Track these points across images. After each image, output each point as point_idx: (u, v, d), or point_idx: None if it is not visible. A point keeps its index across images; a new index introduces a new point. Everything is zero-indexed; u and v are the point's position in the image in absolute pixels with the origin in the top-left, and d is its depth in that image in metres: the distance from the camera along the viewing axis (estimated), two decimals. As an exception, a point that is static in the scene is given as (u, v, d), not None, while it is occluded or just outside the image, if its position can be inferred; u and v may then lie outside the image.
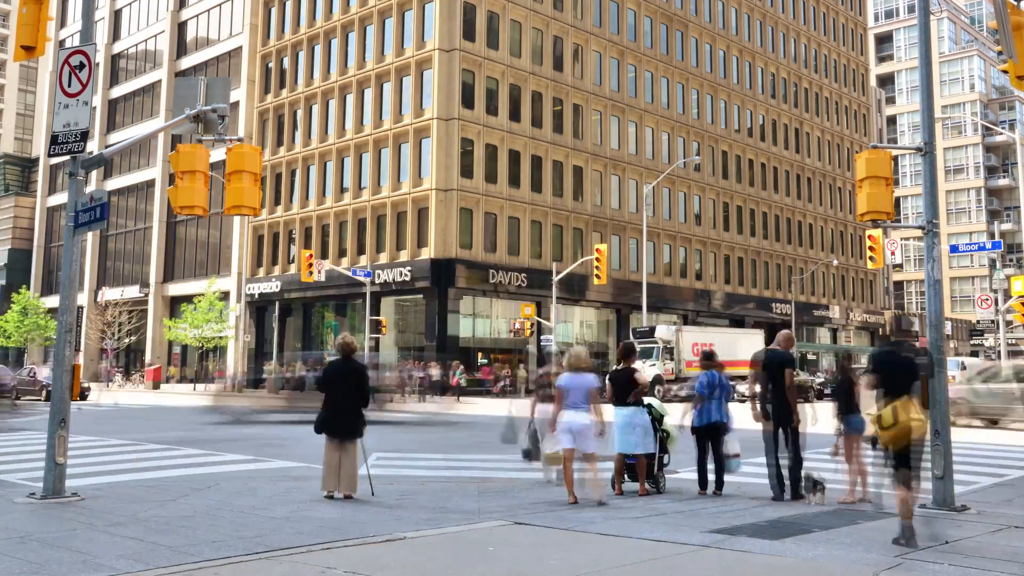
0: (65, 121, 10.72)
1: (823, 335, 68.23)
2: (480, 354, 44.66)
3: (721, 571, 6.91)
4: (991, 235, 69.92)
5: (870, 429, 8.35)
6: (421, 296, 44.13)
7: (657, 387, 37.33)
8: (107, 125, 64.90)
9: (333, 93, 49.65)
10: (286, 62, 52.88)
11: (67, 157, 10.82)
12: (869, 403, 8.67)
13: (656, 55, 55.27)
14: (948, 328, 68.17)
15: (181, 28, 61.08)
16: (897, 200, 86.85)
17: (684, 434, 11.14)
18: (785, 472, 10.27)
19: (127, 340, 56.17)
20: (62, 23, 69.59)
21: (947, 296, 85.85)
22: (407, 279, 43.43)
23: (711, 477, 10.88)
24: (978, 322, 71.72)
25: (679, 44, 57.17)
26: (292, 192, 51.32)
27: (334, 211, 48.38)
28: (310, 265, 41.36)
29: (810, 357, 61.60)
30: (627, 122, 53.01)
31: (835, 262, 65.40)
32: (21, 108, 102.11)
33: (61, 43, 65.71)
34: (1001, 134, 79.32)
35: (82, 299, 56.92)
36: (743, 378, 38.13)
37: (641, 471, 10.67)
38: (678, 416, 11.33)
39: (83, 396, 34.84)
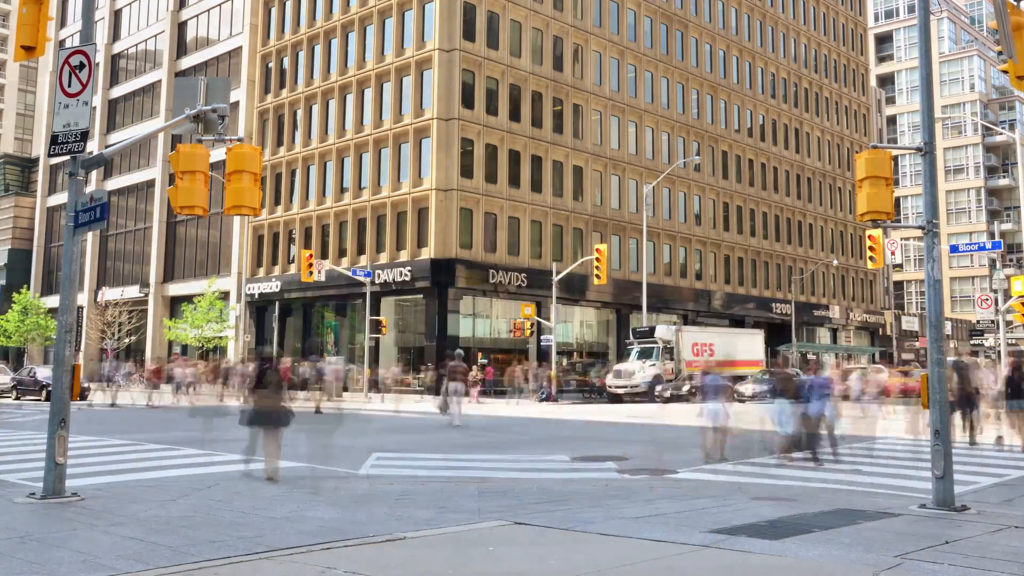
0: (65, 121, 10.73)
1: (823, 335, 68.20)
2: (480, 354, 44.62)
3: (721, 571, 6.91)
4: (991, 235, 69.85)
5: None
6: (421, 296, 44.11)
7: (657, 387, 37.38)
8: (107, 125, 64.88)
9: (333, 93, 49.63)
10: (286, 62, 52.86)
11: (67, 157, 10.83)
12: None
13: (656, 55, 55.24)
14: (948, 328, 68.13)
15: (181, 28, 61.06)
16: (897, 200, 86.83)
17: None
18: None
19: (127, 340, 56.17)
20: (62, 23, 69.58)
21: (947, 296, 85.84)
22: (407, 279, 43.40)
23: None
24: (978, 322, 71.65)
25: (679, 44, 57.15)
26: (292, 192, 51.30)
27: (334, 211, 48.36)
28: (310, 265, 41.34)
29: (810, 357, 61.45)
30: (627, 122, 52.98)
31: (835, 262, 65.37)
32: (21, 108, 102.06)
33: (61, 43, 65.70)
34: (1001, 134, 79.29)
35: (82, 299, 56.92)
36: (743, 378, 38.26)
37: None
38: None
39: (83, 396, 34.83)
